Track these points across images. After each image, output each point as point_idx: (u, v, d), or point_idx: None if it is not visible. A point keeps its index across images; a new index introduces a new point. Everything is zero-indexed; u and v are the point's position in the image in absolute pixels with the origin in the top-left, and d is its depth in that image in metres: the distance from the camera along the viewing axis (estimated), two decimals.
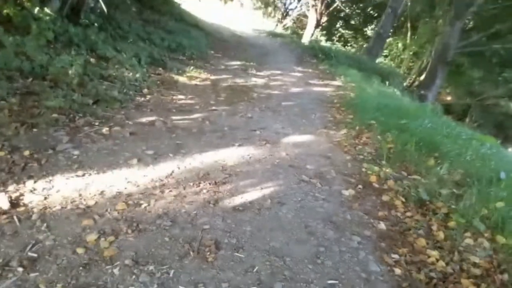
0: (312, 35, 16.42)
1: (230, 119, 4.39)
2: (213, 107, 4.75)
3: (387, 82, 9.26)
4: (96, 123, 3.58)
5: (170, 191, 2.59)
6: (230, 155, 3.35)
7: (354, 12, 20.16)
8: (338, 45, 13.02)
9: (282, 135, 4.05)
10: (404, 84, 12.00)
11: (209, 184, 2.75)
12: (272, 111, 4.91)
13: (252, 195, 2.67)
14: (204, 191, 2.64)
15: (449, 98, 18.93)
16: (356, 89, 6.71)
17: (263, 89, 5.97)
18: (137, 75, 5.22)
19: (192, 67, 6.44)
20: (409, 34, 17.18)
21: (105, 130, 3.46)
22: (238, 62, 7.76)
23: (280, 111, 4.95)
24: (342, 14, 20.27)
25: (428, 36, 16.14)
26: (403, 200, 2.91)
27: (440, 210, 2.82)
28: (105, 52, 5.35)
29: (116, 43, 5.91)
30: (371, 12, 19.49)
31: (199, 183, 2.75)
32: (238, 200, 2.57)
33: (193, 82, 5.87)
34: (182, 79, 5.86)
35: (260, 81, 6.49)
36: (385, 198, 2.90)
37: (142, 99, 4.62)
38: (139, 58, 5.76)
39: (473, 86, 18.40)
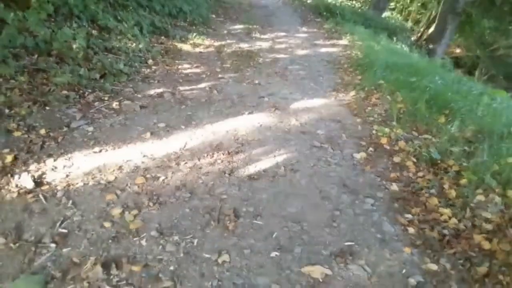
0: None
1: (238, 87, 4.33)
2: (220, 75, 4.67)
3: (394, 38, 8.94)
4: (106, 98, 3.57)
5: (186, 163, 2.63)
6: (241, 124, 3.35)
7: None
8: (344, 0, 12.39)
9: (291, 101, 4.01)
10: (412, 38, 11.55)
11: (223, 154, 2.78)
12: (279, 76, 4.82)
13: (266, 163, 2.70)
14: (219, 161, 2.68)
15: (458, 50, 18.29)
16: (364, 48, 6.49)
17: (268, 53, 5.82)
18: (141, 45, 5.11)
19: (195, 34, 6.26)
20: None
21: (115, 104, 3.46)
22: (241, 26, 7.51)
23: (287, 75, 4.85)
24: None
25: None
26: (415, 160, 2.92)
27: (451, 169, 2.83)
28: (106, 23, 5.20)
29: (116, 12, 5.72)
30: None
31: (213, 153, 2.78)
32: (252, 169, 2.61)
33: (197, 49, 5.74)
34: (186, 47, 5.73)
35: (264, 45, 6.31)
36: (396, 159, 2.91)
37: (148, 70, 4.56)
38: (141, 27, 5.60)
39: (483, 37, 17.74)
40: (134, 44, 5.08)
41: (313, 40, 7.03)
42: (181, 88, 4.11)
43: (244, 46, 6.14)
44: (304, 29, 7.96)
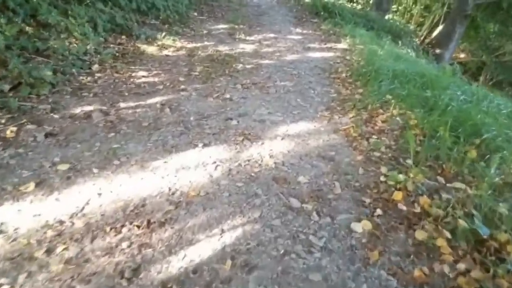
0: None
1: (201, 103, 3.21)
2: (182, 86, 3.55)
3: (399, 42, 7.80)
4: (3, 121, 2.45)
5: (66, 248, 1.51)
6: (188, 164, 2.23)
7: None
8: (343, 1, 11.24)
9: (269, 125, 2.89)
10: (415, 42, 10.40)
11: (138, 227, 1.66)
12: (259, 88, 3.68)
13: (203, 251, 1.57)
14: (125, 245, 1.55)
15: (462, 55, 17.16)
16: (366, 53, 5.36)
17: (251, 58, 4.69)
18: (88, 46, 3.99)
19: (165, 34, 5.13)
20: None
21: (10, 131, 2.34)
22: (225, 26, 6.38)
23: (270, 87, 3.72)
24: None
25: None
26: (449, 235, 1.80)
27: (508, 254, 1.71)
28: (47, 18, 4.08)
29: (68, 5, 4.59)
30: None
31: (123, 226, 1.66)
32: (175, 264, 1.49)
33: (165, 52, 4.61)
34: (151, 49, 4.60)
35: (248, 48, 5.18)
36: (420, 235, 1.79)
37: (88, 78, 3.44)
38: (95, 24, 4.48)
39: (489, 42, 16.66)
40: (80, 45, 3.95)
41: (307, 43, 5.90)
42: (122, 104, 2.99)
43: (224, 49, 5.01)
44: (298, 30, 6.82)
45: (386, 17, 10.17)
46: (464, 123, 3.07)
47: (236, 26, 6.41)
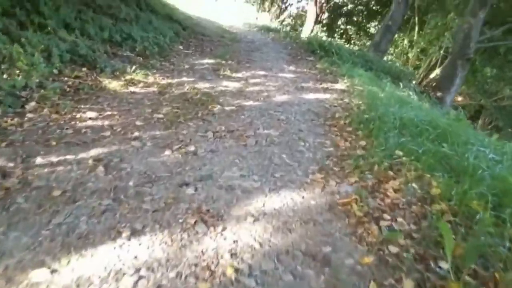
0: (312, 31, 14.30)
1: (154, 158, 2.38)
2: (137, 133, 2.74)
3: (401, 84, 7.19)
4: None
5: None
6: (92, 273, 1.35)
7: (356, 8, 18.06)
8: (340, 42, 10.87)
9: (238, 195, 2.04)
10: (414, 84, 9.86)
11: None
12: (236, 137, 2.88)
13: None
14: None
15: (460, 98, 16.81)
16: (366, 95, 4.66)
17: (232, 98, 3.94)
18: (32, 79, 3.23)
19: (136, 67, 4.42)
20: (416, 29, 15.04)
21: None
22: (211, 61, 5.74)
23: (249, 137, 2.91)
24: (344, 10, 18.19)
25: (439, 31, 14.02)
26: None
27: None
28: None
29: (23, 32, 3.90)
30: (375, 7, 17.46)
31: None
32: None
33: (131, 88, 3.86)
34: (114, 84, 3.85)
35: (232, 86, 4.46)
36: None
37: (14, 120, 2.63)
38: (49, 53, 3.76)
39: (487, 85, 16.41)
40: (20, 78, 3.19)
41: (300, 82, 5.22)
42: (40, 159, 2.15)
43: (203, 86, 4.28)
44: (291, 68, 6.19)
45: (384, 58, 9.72)
46: (502, 195, 2.26)
47: (223, 62, 5.77)
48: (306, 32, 13.61)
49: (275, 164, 2.48)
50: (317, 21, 15.61)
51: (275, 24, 14.35)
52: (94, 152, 2.34)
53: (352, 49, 9.61)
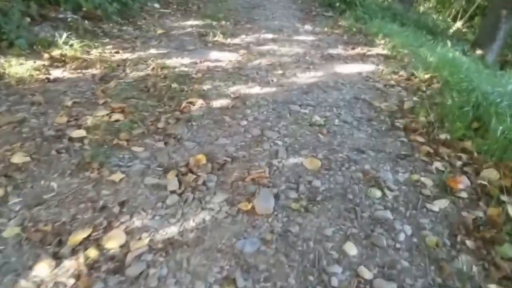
0: None
1: None
2: None
3: (448, 42, 5.26)
4: None
5: None
6: None
7: None
8: None
9: None
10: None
11: None
12: (229, 195, 1.22)
13: None
14: None
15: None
16: (426, 63, 2.89)
17: (226, 83, 2.21)
18: None
19: (73, 35, 2.65)
20: None
21: None
22: (197, 22, 3.89)
23: (260, 187, 1.26)
24: None
25: None
26: None
27: None
28: None
29: None
30: None
31: None
32: None
33: (53, 73, 2.14)
34: (22, 68, 2.13)
35: (227, 60, 2.71)
36: None
37: None
38: None
39: None
40: None
41: (325, 47, 3.42)
42: None
43: (179, 62, 2.54)
44: (308, 27, 4.31)
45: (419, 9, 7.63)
46: None
47: (215, 23, 3.91)
48: None
49: None
50: None
51: None
52: None
53: (375, 1, 7.47)
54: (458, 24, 9.48)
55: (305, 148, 1.52)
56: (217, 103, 1.91)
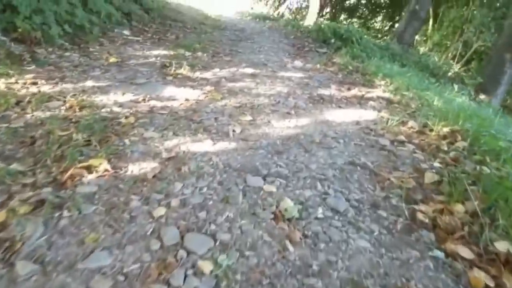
0: (315, 22, 11.75)
1: None
2: None
3: (455, 86, 4.70)
4: None
5: None
6: None
7: (360, 2, 15.51)
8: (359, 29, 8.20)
9: None
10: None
11: None
12: None
13: None
14: None
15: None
16: (442, 112, 2.24)
17: (162, 134, 1.51)
18: None
19: None
20: (430, 22, 12.45)
21: None
22: (166, 52, 3.28)
23: None
24: (347, 4, 15.61)
25: (456, 23, 11.41)
26: None
27: None
28: None
29: None
30: (380, 1, 14.98)
31: None
32: None
33: None
34: None
35: (182, 98, 2.03)
36: None
37: None
38: None
39: None
40: None
41: (316, 86, 2.78)
42: None
43: (116, 100, 1.85)
44: (298, 63, 3.73)
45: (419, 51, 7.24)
46: None
47: (188, 54, 3.30)
48: (309, 21, 11.07)
49: None
50: (319, 15, 13.06)
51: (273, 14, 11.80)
52: None
53: (372, 40, 7.07)
54: (455, 67, 9.11)
55: (256, 285, 0.77)
56: (133, 169, 1.19)
